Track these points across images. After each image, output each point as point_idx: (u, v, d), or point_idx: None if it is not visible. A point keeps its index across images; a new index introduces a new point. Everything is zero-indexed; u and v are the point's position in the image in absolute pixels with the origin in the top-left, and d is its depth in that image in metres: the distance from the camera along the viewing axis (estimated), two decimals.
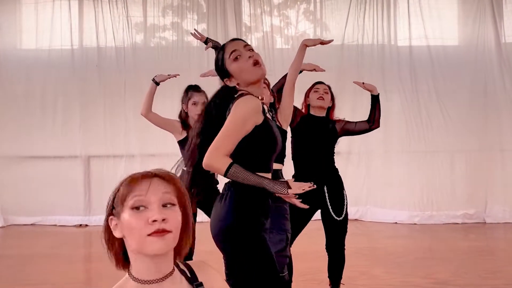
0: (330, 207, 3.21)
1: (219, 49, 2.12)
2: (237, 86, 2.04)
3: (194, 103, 3.41)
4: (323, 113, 3.38)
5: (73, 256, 5.05)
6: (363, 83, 3.43)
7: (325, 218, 3.25)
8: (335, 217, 3.20)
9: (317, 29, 6.88)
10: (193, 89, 3.48)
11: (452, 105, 6.42)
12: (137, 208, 1.14)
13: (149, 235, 1.11)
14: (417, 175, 6.38)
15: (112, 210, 1.19)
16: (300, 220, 3.19)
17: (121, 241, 1.19)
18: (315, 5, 6.89)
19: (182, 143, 3.35)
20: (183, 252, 1.23)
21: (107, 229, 1.20)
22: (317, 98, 3.33)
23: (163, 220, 1.12)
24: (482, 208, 6.32)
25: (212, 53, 6.74)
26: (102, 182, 6.44)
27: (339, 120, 3.41)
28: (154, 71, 6.37)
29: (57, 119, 6.56)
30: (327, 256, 3.28)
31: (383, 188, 6.39)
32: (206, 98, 3.33)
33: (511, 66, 6.45)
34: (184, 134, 3.39)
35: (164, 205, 1.15)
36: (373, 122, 3.38)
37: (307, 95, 3.43)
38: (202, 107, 3.03)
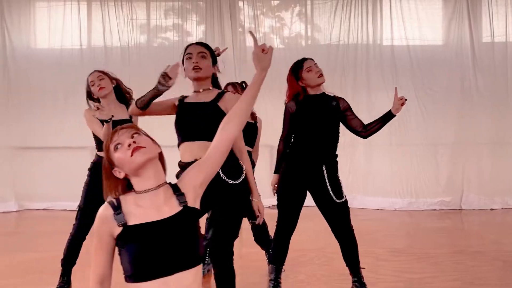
0: (330, 189, 3.00)
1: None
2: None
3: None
4: (320, 91, 3.16)
5: None
6: (403, 98, 3.14)
7: (324, 202, 3.03)
8: (335, 199, 2.99)
9: (308, 30, 7.17)
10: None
11: (430, 101, 6.75)
12: (117, 147, 1.57)
13: (131, 155, 1.53)
14: (397, 166, 6.72)
15: (111, 169, 1.59)
16: (293, 201, 3.06)
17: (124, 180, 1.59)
18: (306, 8, 7.18)
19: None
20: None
21: (111, 178, 1.60)
22: (318, 77, 3.09)
23: (134, 142, 1.54)
24: (459, 196, 6.67)
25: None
26: None
27: (341, 99, 3.19)
28: (157, 69, 6.76)
29: (67, 113, 6.83)
30: (339, 244, 3.10)
31: (366, 178, 6.76)
32: (108, 77, 3.36)
33: (484, 65, 6.74)
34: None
35: (132, 136, 1.58)
36: (367, 131, 3.17)
37: (300, 77, 3.13)
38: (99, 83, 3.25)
